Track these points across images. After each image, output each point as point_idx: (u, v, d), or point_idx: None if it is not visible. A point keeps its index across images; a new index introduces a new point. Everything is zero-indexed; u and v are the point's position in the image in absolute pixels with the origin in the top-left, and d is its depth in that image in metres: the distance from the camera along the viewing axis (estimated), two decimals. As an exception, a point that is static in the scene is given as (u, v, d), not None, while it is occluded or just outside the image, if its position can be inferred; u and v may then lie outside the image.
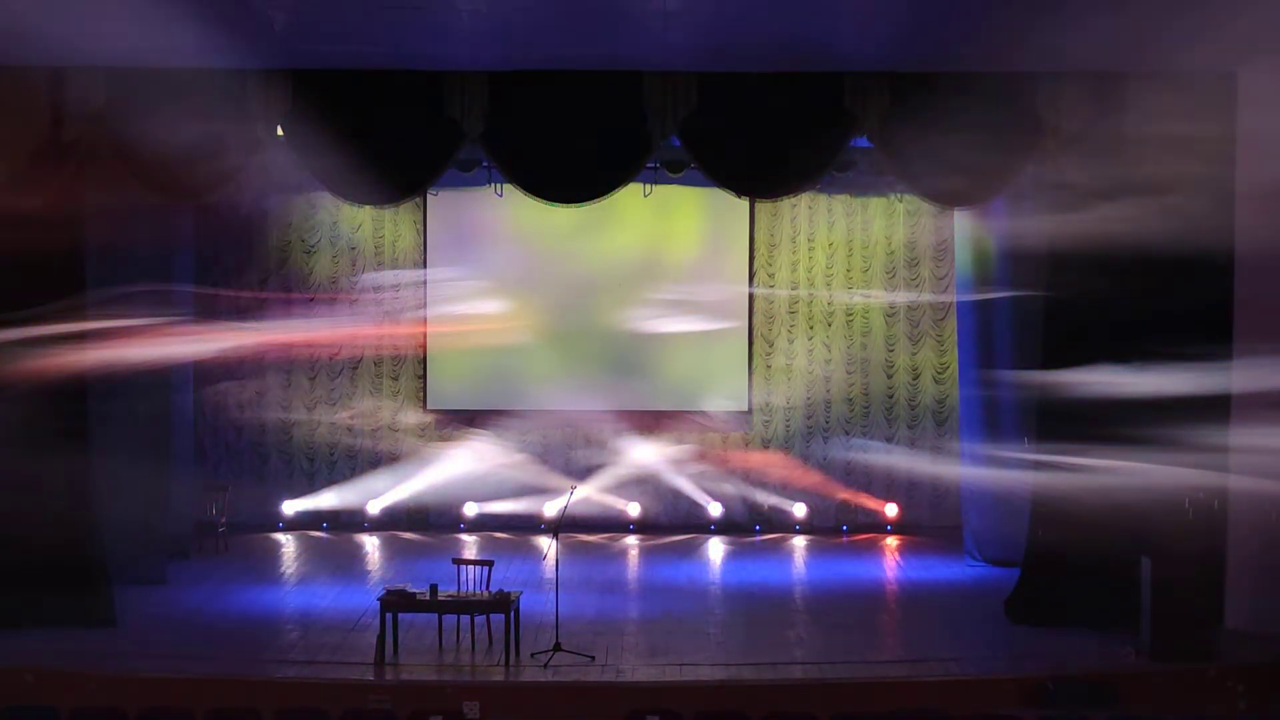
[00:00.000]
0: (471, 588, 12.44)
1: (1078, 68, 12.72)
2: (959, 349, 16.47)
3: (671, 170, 16.48)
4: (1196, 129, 12.65)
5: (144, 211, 14.09)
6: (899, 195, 17.80)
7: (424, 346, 18.10)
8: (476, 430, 18.29)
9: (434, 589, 12.12)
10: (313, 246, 18.16)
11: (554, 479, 18.20)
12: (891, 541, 17.52)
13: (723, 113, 13.08)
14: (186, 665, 11.70)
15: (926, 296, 18.12)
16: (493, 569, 12.67)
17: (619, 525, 18.12)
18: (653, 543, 17.41)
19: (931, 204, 14.63)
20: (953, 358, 17.57)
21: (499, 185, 16.45)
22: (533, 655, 11.89)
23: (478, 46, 12.59)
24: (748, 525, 18.09)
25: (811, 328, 18.28)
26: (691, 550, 17.00)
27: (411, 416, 18.24)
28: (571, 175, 13.28)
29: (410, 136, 13.12)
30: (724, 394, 18.13)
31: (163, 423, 15.03)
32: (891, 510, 18.06)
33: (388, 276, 18.19)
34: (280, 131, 13.17)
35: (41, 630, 12.39)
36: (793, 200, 17.64)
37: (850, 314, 18.24)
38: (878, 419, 18.26)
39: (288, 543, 17.28)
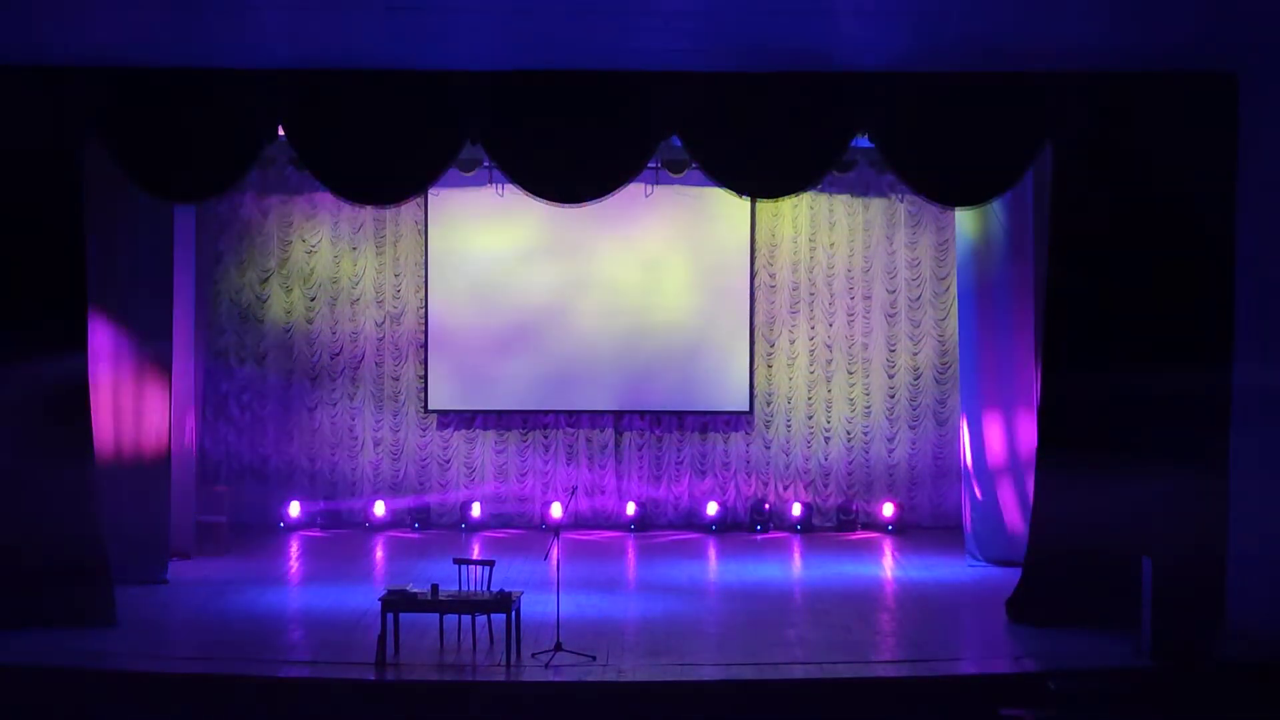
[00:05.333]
0: (473, 587, 12.44)
1: (1079, 67, 12.71)
2: (960, 348, 16.46)
3: (672, 170, 16.48)
4: (1198, 130, 12.67)
5: (145, 211, 14.13)
6: (900, 195, 17.84)
7: (425, 346, 18.10)
8: (477, 430, 18.32)
9: (435, 589, 12.12)
10: (314, 246, 18.18)
11: (555, 479, 18.25)
12: (892, 541, 17.51)
13: (724, 113, 13.05)
14: (187, 665, 11.70)
15: (928, 296, 18.14)
16: (494, 569, 12.67)
17: (620, 525, 18.16)
18: (654, 542, 17.42)
19: (933, 203, 14.63)
20: (954, 357, 17.56)
21: (500, 185, 16.45)
22: (534, 655, 11.89)
23: (480, 46, 12.59)
24: (748, 524, 18.11)
25: (813, 327, 18.29)
26: (692, 550, 17.00)
27: (413, 416, 18.27)
28: (573, 175, 13.25)
29: (412, 136, 13.10)
30: (725, 393, 18.13)
31: (164, 421, 15.00)
32: (892, 509, 18.06)
33: (389, 276, 18.22)
34: (281, 131, 13.17)
35: (42, 630, 12.40)
36: (794, 200, 17.65)
37: (851, 313, 18.25)
38: (879, 418, 18.27)
39: (289, 542, 17.29)
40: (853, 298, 18.24)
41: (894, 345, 18.24)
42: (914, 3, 12.62)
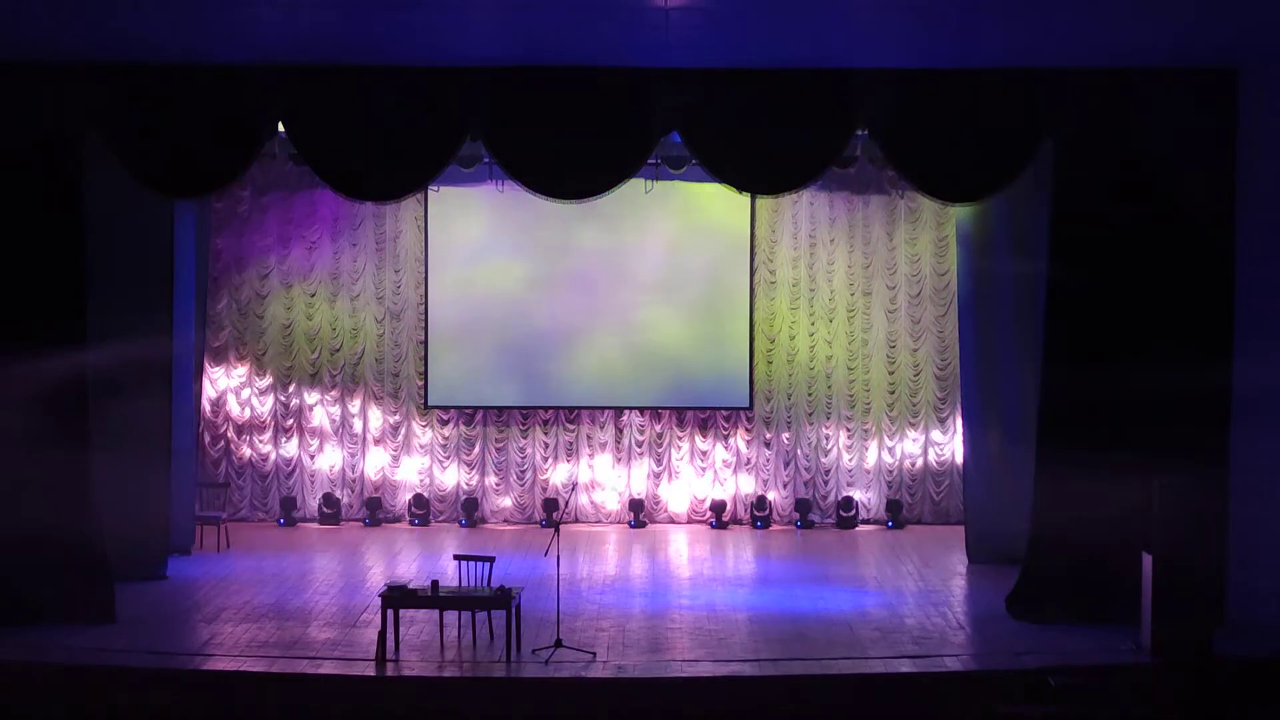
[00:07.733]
0: (473, 584, 12.44)
1: (1079, 64, 12.70)
2: (960, 345, 16.46)
3: (673, 166, 16.46)
4: (1198, 126, 12.66)
5: (145, 207, 14.11)
6: (900, 191, 17.84)
7: (425, 342, 18.10)
8: (477, 426, 18.32)
9: (435, 585, 12.13)
10: (313, 242, 18.17)
11: (555, 475, 18.25)
12: (891, 537, 17.51)
13: (724, 109, 13.05)
14: (186, 662, 11.71)
15: (928, 292, 18.13)
16: (494, 565, 12.67)
17: (620, 521, 18.17)
18: (654, 538, 17.42)
19: (933, 200, 14.62)
20: (954, 353, 17.57)
21: (500, 181, 16.43)
22: (534, 651, 11.90)
23: (480, 42, 12.58)
24: (748, 520, 18.12)
25: (813, 323, 18.29)
26: (692, 546, 17.00)
27: (413, 413, 18.27)
28: (573, 171, 13.26)
29: (412, 133, 13.10)
30: (725, 389, 18.13)
31: (163, 419, 15.01)
32: (892, 506, 18.07)
33: (389, 272, 18.21)
34: (281, 127, 13.15)
35: (42, 627, 12.40)
36: (794, 196, 17.65)
37: (851, 310, 18.25)
38: (879, 415, 18.27)
39: (289, 539, 17.28)
40: (852, 294, 18.24)
41: (894, 342, 18.24)
42: (914, -1, 12.62)
